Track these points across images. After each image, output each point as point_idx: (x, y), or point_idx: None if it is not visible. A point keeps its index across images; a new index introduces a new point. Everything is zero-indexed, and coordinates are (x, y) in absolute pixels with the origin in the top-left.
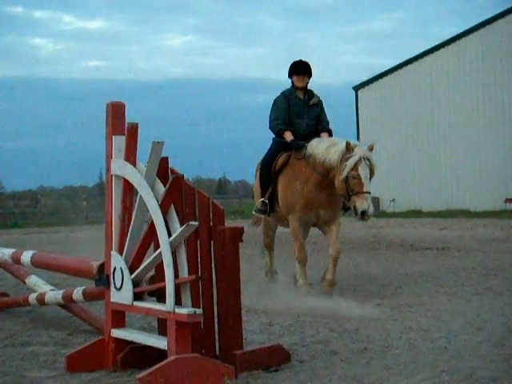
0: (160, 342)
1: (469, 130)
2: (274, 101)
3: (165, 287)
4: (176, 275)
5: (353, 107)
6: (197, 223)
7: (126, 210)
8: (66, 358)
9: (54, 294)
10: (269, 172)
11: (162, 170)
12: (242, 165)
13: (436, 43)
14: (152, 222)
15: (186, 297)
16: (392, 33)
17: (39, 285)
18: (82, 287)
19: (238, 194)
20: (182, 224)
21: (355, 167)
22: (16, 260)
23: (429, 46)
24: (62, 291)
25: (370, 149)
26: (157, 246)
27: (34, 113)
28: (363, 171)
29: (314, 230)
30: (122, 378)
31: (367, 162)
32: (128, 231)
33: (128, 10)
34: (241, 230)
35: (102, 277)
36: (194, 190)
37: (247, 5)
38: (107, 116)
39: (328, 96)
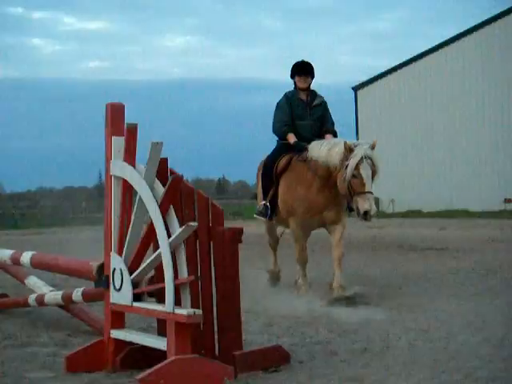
0: (159, 343)
1: (468, 130)
2: (277, 104)
3: (164, 288)
4: (175, 276)
5: (352, 107)
6: (196, 224)
7: (126, 210)
8: (66, 358)
9: (53, 295)
10: (270, 174)
11: (162, 170)
12: (242, 165)
13: (436, 43)
14: (151, 223)
15: (186, 297)
16: (392, 33)
17: (39, 286)
18: (82, 288)
19: (237, 195)
20: (181, 225)
21: (356, 167)
22: (15, 261)
23: (428, 47)
24: (61, 292)
25: (372, 147)
26: (156, 247)
27: (33, 114)
28: (365, 171)
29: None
30: (122, 379)
31: (369, 161)
32: (127, 232)
33: (127, 10)
34: (240, 231)
35: (102, 278)
36: (193, 191)
37: (246, 5)
38: (106, 117)
39: (327, 96)
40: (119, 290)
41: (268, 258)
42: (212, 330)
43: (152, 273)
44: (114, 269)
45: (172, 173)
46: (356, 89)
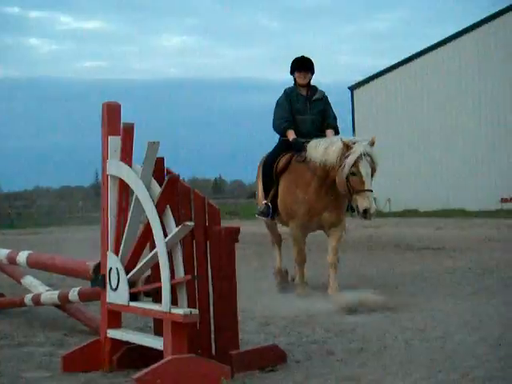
0: (156, 343)
1: (464, 130)
2: (277, 101)
3: (161, 287)
4: (172, 275)
5: (349, 107)
6: (193, 223)
7: (122, 210)
8: (62, 358)
9: (49, 295)
10: (271, 173)
11: (158, 170)
12: (238, 165)
13: (431, 43)
14: (148, 223)
15: (182, 297)
16: (391, 33)
17: (35, 285)
18: (78, 287)
19: (233, 195)
20: (177, 224)
21: (355, 164)
22: (12, 260)
23: (425, 46)
24: (57, 291)
25: (372, 144)
26: (153, 247)
27: (29, 113)
28: (364, 168)
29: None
30: (118, 379)
31: (368, 158)
32: (124, 231)
33: (124, 10)
34: (237, 230)
35: (98, 277)
36: (189, 191)
37: (244, 5)
38: (103, 116)
39: None
40: (116, 289)
41: (273, 257)
42: (209, 329)
43: (148, 272)
44: (111, 268)
45: (168, 172)
46: (352, 88)
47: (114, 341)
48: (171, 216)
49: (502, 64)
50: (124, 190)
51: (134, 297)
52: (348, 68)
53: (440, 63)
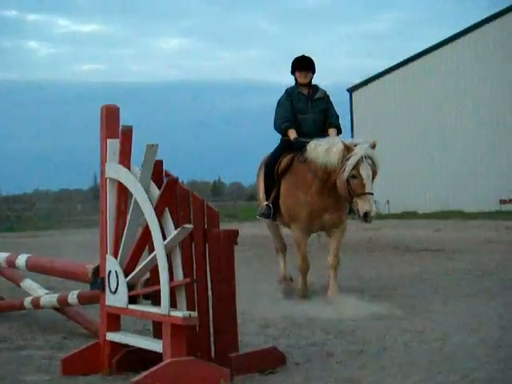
0: (155, 345)
1: (463, 131)
2: (278, 100)
3: (160, 290)
4: (171, 278)
5: (347, 109)
6: (191, 226)
7: (121, 213)
8: (62, 361)
9: (49, 298)
10: (272, 174)
11: (157, 172)
12: (237, 167)
13: (431, 44)
14: (147, 225)
15: (181, 300)
16: (390, 34)
17: (34, 288)
18: (77, 290)
19: (232, 197)
20: (176, 227)
21: (356, 167)
22: (11, 264)
23: (423, 47)
24: (57, 295)
25: (373, 146)
26: (151, 249)
27: (28, 116)
28: (365, 171)
29: None
30: (118, 382)
31: (369, 161)
32: (123, 234)
33: (122, 13)
34: (236, 233)
35: (97, 280)
36: (188, 193)
37: (241, 7)
38: (101, 119)
39: None
40: (115, 292)
41: (277, 265)
42: (208, 332)
43: (148, 275)
44: (110, 271)
45: (167, 175)
46: (351, 90)
47: (113, 344)
48: (170, 219)
49: (501, 65)
50: (123, 192)
51: (133, 300)
52: (347, 70)
53: (438, 65)
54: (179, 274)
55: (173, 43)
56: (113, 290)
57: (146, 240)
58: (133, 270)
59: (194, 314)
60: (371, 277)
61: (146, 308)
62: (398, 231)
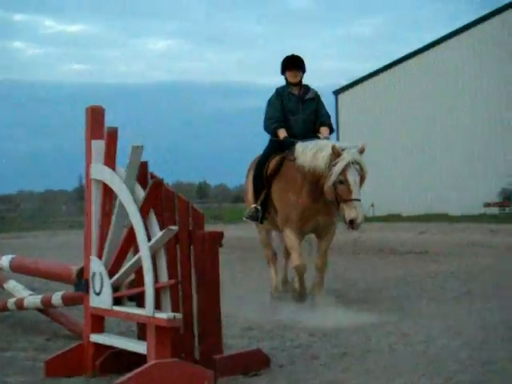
0: (139, 347)
1: (448, 134)
2: (268, 100)
3: (144, 292)
4: (156, 280)
5: (333, 111)
6: (176, 228)
7: (106, 214)
8: (45, 363)
9: (32, 299)
10: (261, 176)
11: (142, 174)
12: (223, 169)
13: (415, 48)
14: (131, 227)
15: (166, 301)
16: (375, 38)
17: (18, 289)
18: (61, 292)
19: (217, 199)
20: (161, 228)
21: (343, 172)
22: None
23: (408, 51)
24: (41, 296)
25: (361, 151)
26: (136, 251)
27: (13, 116)
28: (352, 177)
29: None
30: (102, 383)
31: (357, 166)
32: (107, 236)
33: (109, 14)
34: (220, 235)
35: (82, 281)
36: (173, 195)
37: (229, 10)
38: (87, 120)
39: None
40: (99, 293)
41: (268, 273)
42: (192, 333)
43: (132, 276)
44: (94, 272)
45: (152, 177)
46: (337, 93)
47: (97, 345)
48: (155, 220)
49: (486, 70)
50: (108, 194)
51: (117, 301)
52: (333, 72)
53: (423, 68)
54: (164, 276)
55: (161, 44)
56: (97, 291)
57: (130, 241)
58: (117, 272)
59: (179, 315)
60: (356, 279)
61: (131, 310)
62: (383, 234)
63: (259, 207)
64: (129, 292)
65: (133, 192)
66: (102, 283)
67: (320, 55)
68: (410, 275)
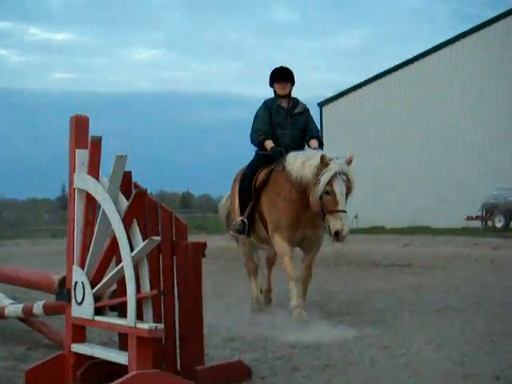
0: (121, 357)
1: (430, 148)
2: (256, 112)
3: (126, 302)
4: (138, 290)
5: (318, 123)
6: (159, 238)
7: (89, 223)
8: (26, 373)
9: (13, 308)
10: (249, 188)
11: (126, 183)
12: (206, 179)
13: (402, 60)
14: (114, 237)
15: (148, 312)
16: (360, 50)
17: None
18: (43, 301)
19: (201, 209)
20: (144, 239)
21: (329, 183)
22: None
23: (393, 64)
24: (22, 305)
25: (348, 162)
26: (119, 261)
27: None
28: (338, 187)
29: None
30: None
31: (343, 177)
32: (90, 245)
33: (94, 22)
34: (203, 245)
35: (63, 291)
36: (156, 205)
37: (214, 20)
38: (71, 129)
39: None
40: (81, 303)
41: (248, 285)
42: (174, 344)
43: (114, 286)
44: (76, 282)
45: (136, 186)
46: (321, 105)
47: (78, 355)
48: (138, 230)
49: (469, 83)
50: (91, 203)
51: (99, 311)
52: (317, 84)
53: (407, 81)
54: (146, 286)
55: (145, 54)
56: (79, 301)
57: (113, 251)
58: (99, 281)
59: (161, 326)
60: (338, 291)
61: (112, 320)
62: (366, 246)
63: (246, 220)
64: (111, 302)
65: (116, 202)
66: (83, 293)
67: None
68: (392, 288)
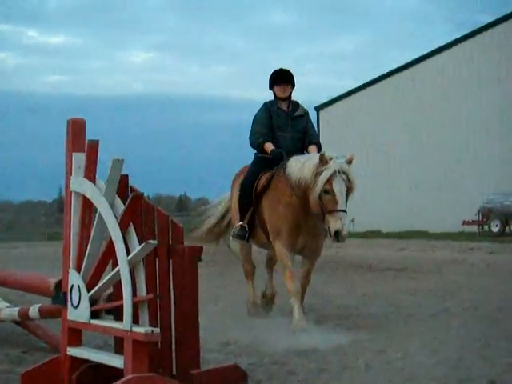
0: (116, 361)
1: (426, 152)
2: (255, 115)
3: (122, 305)
4: (134, 294)
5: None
6: (156, 242)
7: (85, 227)
8: (21, 376)
9: (9, 311)
10: (250, 193)
11: (122, 187)
12: (203, 182)
13: (394, 67)
14: (111, 240)
15: (144, 315)
16: (355, 54)
17: None
18: (39, 304)
19: (198, 212)
20: (140, 242)
21: (329, 182)
22: None
23: (389, 68)
24: (17, 308)
25: (349, 161)
26: (115, 264)
27: None
28: (338, 186)
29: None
30: None
31: (343, 176)
32: (86, 248)
33: (91, 25)
34: (200, 249)
35: (59, 294)
36: (153, 209)
37: (210, 23)
38: (67, 133)
39: None
40: (77, 306)
41: (245, 287)
42: (170, 348)
43: (110, 290)
44: (72, 285)
45: (132, 190)
46: (318, 109)
47: (74, 359)
48: (134, 234)
49: (464, 87)
50: (87, 206)
51: (95, 314)
52: (313, 88)
53: (403, 86)
54: (142, 290)
55: (141, 57)
56: (75, 304)
57: (109, 255)
58: (96, 285)
59: (157, 330)
60: (334, 295)
61: (108, 323)
62: (362, 250)
63: (246, 225)
64: (107, 305)
65: (112, 205)
66: (79, 296)
67: (299, 70)
68: (388, 292)
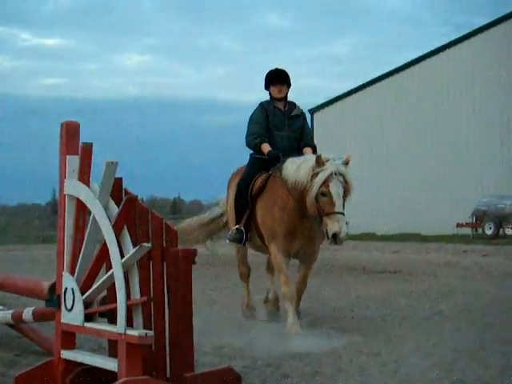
0: (110, 364)
1: (420, 154)
2: (251, 115)
3: (116, 308)
4: (128, 296)
5: None
6: (150, 245)
7: (79, 230)
8: (14, 379)
9: (3, 314)
10: (246, 196)
11: (116, 190)
12: (197, 185)
13: (388, 69)
14: (104, 243)
15: (138, 318)
16: (350, 57)
17: None
18: (33, 307)
19: (192, 214)
20: (134, 245)
21: (325, 183)
22: None
23: (384, 71)
24: (11, 311)
25: (346, 163)
26: (109, 267)
27: None
28: (335, 188)
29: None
30: None
31: (340, 177)
32: (80, 251)
33: (85, 28)
34: (194, 252)
35: (53, 297)
36: (147, 211)
37: (205, 26)
38: (61, 135)
39: None
40: (71, 309)
41: (239, 291)
42: (164, 351)
43: (104, 293)
44: (66, 288)
45: (126, 193)
46: (313, 111)
47: (68, 362)
48: (128, 236)
49: (456, 90)
50: (81, 209)
51: (89, 317)
52: (308, 91)
53: (394, 90)
54: (136, 293)
55: (136, 59)
56: (69, 307)
57: (103, 258)
58: (89, 288)
59: (150, 333)
60: (328, 298)
61: (102, 326)
62: (357, 252)
63: (242, 228)
64: (100, 308)
65: (106, 208)
66: (73, 299)
67: (297, 73)
68: (382, 294)
